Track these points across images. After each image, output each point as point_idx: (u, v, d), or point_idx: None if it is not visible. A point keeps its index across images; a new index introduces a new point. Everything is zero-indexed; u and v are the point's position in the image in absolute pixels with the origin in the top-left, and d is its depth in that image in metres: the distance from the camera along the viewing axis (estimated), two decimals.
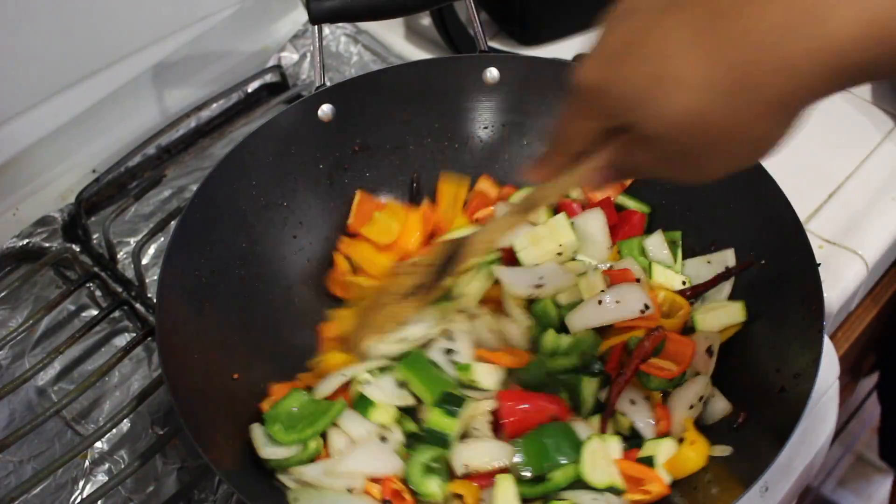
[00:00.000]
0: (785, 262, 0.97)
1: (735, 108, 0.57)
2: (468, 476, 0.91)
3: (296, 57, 1.46)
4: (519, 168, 1.18)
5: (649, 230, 1.11)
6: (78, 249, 1.21)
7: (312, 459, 0.91)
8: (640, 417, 0.94)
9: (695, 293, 1.03)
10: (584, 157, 0.71)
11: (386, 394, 0.94)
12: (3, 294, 1.18)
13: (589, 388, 0.94)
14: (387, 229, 1.11)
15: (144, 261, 1.20)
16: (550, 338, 0.97)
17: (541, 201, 0.83)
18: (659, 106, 0.59)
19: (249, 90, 1.40)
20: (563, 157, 0.73)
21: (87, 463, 1.04)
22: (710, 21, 0.56)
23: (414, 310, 0.98)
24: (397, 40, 1.49)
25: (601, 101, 0.63)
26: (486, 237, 0.91)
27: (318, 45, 1.12)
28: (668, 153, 0.63)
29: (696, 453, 0.89)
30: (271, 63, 1.44)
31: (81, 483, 1.03)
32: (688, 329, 1.01)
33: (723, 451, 0.90)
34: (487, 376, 0.96)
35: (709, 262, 1.05)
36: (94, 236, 1.22)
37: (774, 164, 1.00)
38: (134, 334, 1.14)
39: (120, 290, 1.16)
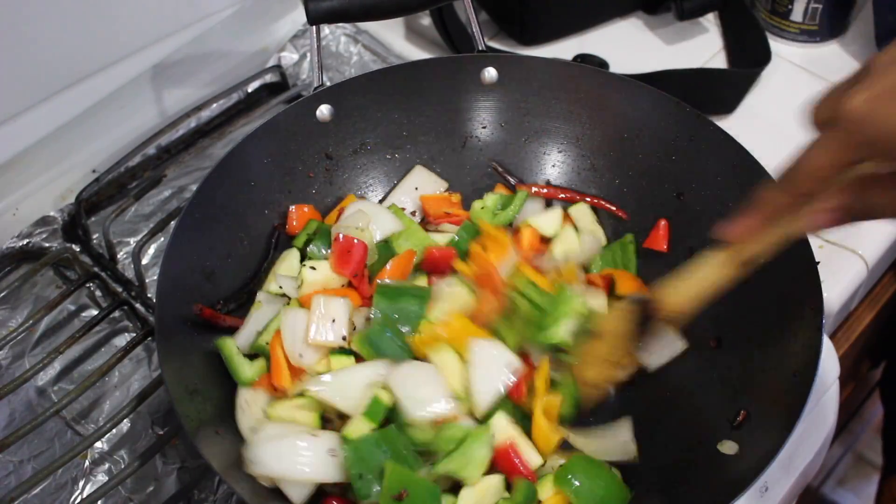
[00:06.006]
0: (785, 262, 0.97)
1: None
2: None
3: (296, 57, 1.46)
4: (518, 167, 1.18)
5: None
6: (78, 249, 1.21)
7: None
8: None
9: None
10: (810, 201, 0.72)
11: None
12: (3, 294, 1.18)
13: None
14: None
15: (144, 261, 1.20)
16: None
17: (755, 254, 0.80)
18: None
19: (249, 90, 1.40)
20: (791, 198, 0.73)
21: (87, 463, 1.04)
22: None
23: (610, 378, 0.94)
24: (397, 40, 1.49)
25: (870, 131, 0.64)
26: (682, 297, 0.85)
27: (316, 45, 1.12)
28: None
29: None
30: (271, 63, 1.44)
31: (81, 483, 1.03)
32: None
33: (730, 448, 0.90)
34: None
35: None
36: (94, 236, 1.22)
37: (775, 164, 1.00)
38: (134, 334, 1.14)
39: (120, 290, 1.17)
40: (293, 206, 1.11)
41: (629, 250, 1.10)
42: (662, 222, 1.10)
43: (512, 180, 1.17)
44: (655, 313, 0.86)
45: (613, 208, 1.14)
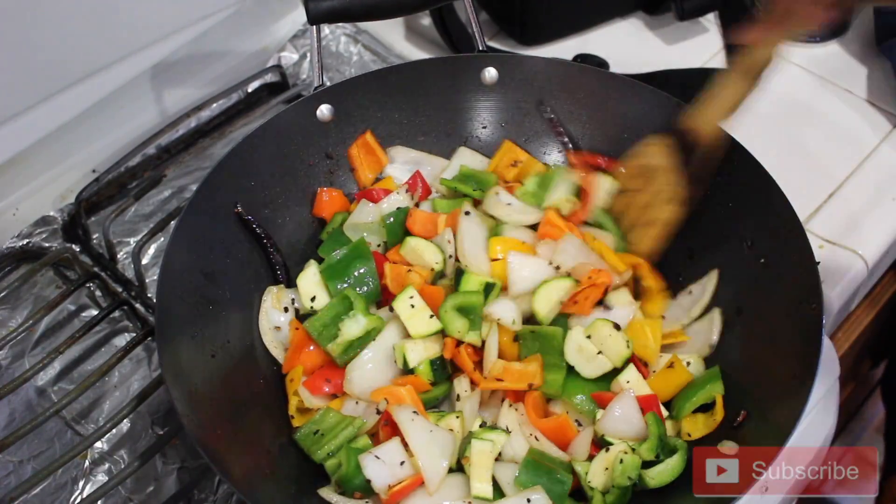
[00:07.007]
0: (785, 262, 0.97)
1: None
2: None
3: (296, 57, 1.46)
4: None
5: None
6: (78, 249, 1.21)
7: None
8: None
9: None
10: None
11: None
12: (3, 294, 1.18)
13: None
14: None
15: (144, 261, 1.20)
16: None
17: (764, 60, 0.80)
18: None
19: (249, 90, 1.40)
20: None
21: (87, 463, 1.04)
22: None
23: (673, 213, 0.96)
24: (397, 40, 1.49)
25: None
26: (712, 119, 0.87)
27: (316, 45, 1.12)
28: None
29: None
30: (271, 63, 1.44)
31: (81, 483, 1.03)
32: None
33: (730, 448, 0.90)
34: None
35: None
36: (94, 236, 1.22)
37: (775, 164, 1.00)
38: (134, 334, 1.14)
39: (120, 290, 1.17)
40: (321, 189, 1.13)
41: None
42: None
43: (566, 140, 1.17)
44: (694, 142, 0.88)
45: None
